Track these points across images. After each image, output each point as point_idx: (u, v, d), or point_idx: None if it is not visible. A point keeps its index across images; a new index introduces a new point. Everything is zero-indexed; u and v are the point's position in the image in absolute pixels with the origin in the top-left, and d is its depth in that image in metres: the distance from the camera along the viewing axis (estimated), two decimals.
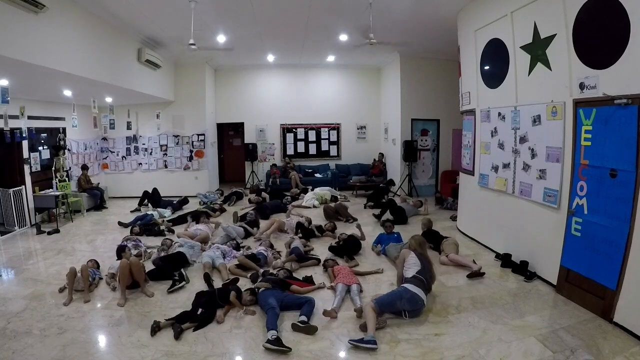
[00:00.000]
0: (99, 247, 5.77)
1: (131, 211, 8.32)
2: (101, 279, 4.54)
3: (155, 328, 3.38)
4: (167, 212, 7.96)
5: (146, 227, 6.64)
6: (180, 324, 3.43)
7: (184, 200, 8.85)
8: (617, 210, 3.33)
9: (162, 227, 6.73)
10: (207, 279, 4.42)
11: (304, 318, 3.47)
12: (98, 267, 4.70)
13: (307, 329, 3.36)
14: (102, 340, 3.35)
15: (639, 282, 3.13)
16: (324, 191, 9.13)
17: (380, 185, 9.48)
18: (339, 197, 9.09)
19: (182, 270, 4.67)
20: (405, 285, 3.61)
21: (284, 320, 3.53)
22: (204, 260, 4.86)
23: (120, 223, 7.15)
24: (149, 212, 7.62)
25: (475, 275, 4.49)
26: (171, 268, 4.65)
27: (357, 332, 3.35)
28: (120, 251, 5.06)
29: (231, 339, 3.31)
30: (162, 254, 5.10)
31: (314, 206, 8.57)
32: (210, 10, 6.00)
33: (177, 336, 3.29)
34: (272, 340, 3.12)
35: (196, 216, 6.81)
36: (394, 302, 3.49)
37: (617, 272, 3.31)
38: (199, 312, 3.60)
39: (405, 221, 7.10)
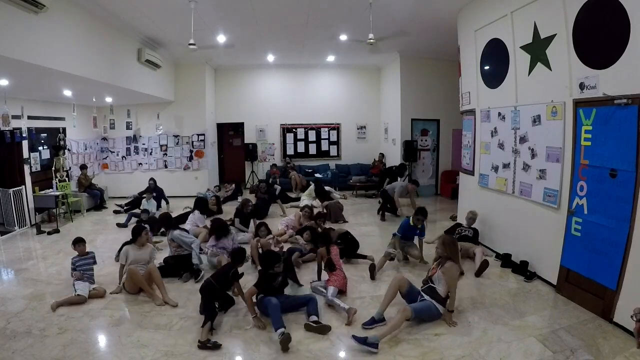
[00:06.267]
0: (99, 247, 5.76)
1: (123, 208, 8.29)
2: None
3: (215, 346, 3.20)
4: (152, 207, 7.88)
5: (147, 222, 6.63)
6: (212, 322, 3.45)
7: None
8: (617, 210, 3.33)
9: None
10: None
11: (315, 318, 3.47)
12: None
13: (321, 329, 3.36)
14: (102, 340, 3.35)
15: (639, 282, 3.13)
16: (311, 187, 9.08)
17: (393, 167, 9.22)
18: (336, 194, 9.04)
19: (198, 267, 4.65)
20: (438, 306, 3.48)
21: (291, 323, 3.49)
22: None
23: (118, 224, 7.21)
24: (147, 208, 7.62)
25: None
26: (180, 268, 4.66)
27: (357, 331, 3.35)
28: (140, 230, 4.32)
29: (231, 339, 3.31)
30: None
31: (312, 205, 8.54)
32: (210, 10, 6.00)
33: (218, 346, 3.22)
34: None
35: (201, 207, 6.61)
36: (424, 314, 3.46)
37: (617, 272, 3.31)
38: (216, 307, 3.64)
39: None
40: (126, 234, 6.11)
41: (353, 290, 4.23)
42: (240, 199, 9.23)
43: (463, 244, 5.01)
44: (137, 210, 7.83)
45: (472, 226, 5.46)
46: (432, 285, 3.55)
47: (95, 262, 4.37)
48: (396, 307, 3.49)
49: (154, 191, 8.53)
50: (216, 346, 3.16)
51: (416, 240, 5.12)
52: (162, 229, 6.18)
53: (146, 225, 4.65)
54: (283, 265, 3.82)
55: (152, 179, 8.87)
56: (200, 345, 3.16)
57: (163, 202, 8.71)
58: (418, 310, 3.39)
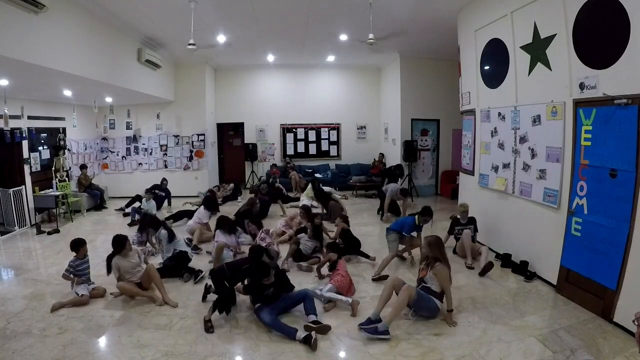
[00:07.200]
0: (99, 247, 5.76)
1: (125, 210, 8.26)
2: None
3: (210, 327, 3.44)
4: (152, 208, 7.79)
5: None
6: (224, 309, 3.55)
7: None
8: (617, 210, 3.33)
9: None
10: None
11: (314, 317, 3.44)
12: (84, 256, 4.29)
13: (321, 329, 3.32)
14: (102, 340, 3.34)
15: (639, 282, 3.13)
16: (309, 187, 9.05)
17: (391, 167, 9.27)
18: (337, 194, 9.02)
19: (197, 270, 4.67)
20: (436, 300, 3.51)
21: (290, 325, 3.45)
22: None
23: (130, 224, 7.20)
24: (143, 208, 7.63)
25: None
26: (180, 268, 4.67)
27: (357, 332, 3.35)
28: (124, 241, 4.17)
29: (231, 339, 3.31)
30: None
31: (312, 205, 8.55)
32: (210, 10, 6.00)
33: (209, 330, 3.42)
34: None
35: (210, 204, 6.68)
36: (424, 303, 3.47)
37: (617, 272, 3.31)
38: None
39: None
40: (129, 234, 6.14)
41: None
42: (240, 199, 9.26)
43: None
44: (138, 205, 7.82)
45: (469, 217, 5.30)
46: (426, 285, 3.59)
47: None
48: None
49: (164, 191, 8.61)
50: (211, 330, 3.40)
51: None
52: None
53: (126, 235, 4.39)
54: (275, 275, 3.58)
55: (164, 179, 8.99)
56: (206, 323, 3.44)
57: (165, 203, 8.67)
58: (420, 294, 3.44)
